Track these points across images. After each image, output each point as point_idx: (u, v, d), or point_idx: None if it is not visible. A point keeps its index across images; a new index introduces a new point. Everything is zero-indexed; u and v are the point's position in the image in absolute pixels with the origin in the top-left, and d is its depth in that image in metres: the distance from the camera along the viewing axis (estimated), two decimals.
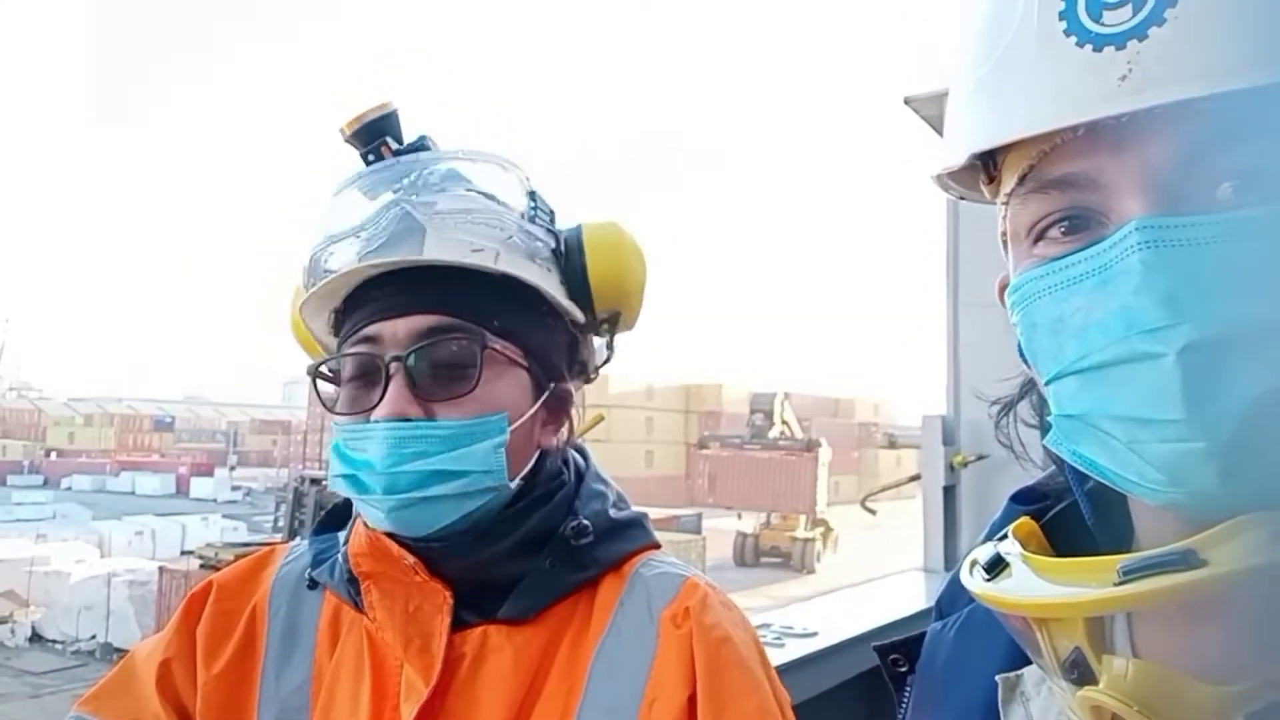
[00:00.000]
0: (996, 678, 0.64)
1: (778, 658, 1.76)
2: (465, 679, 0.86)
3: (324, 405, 0.91)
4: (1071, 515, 0.65)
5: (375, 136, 0.95)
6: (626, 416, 33.77)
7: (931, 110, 2.64)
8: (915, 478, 3.19)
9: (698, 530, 22.51)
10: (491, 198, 0.93)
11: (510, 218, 0.92)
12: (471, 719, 0.84)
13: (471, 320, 0.87)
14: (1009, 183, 0.58)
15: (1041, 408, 0.65)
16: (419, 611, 0.87)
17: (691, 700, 0.85)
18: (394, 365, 0.85)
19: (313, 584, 0.94)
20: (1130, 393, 0.49)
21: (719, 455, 25.91)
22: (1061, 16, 0.52)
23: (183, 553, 19.98)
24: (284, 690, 0.90)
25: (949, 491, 3.02)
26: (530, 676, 0.86)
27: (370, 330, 0.87)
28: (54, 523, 28.73)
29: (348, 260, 0.88)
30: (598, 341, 1.03)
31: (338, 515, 1.00)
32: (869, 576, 3.27)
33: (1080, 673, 0.54)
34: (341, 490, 0.89)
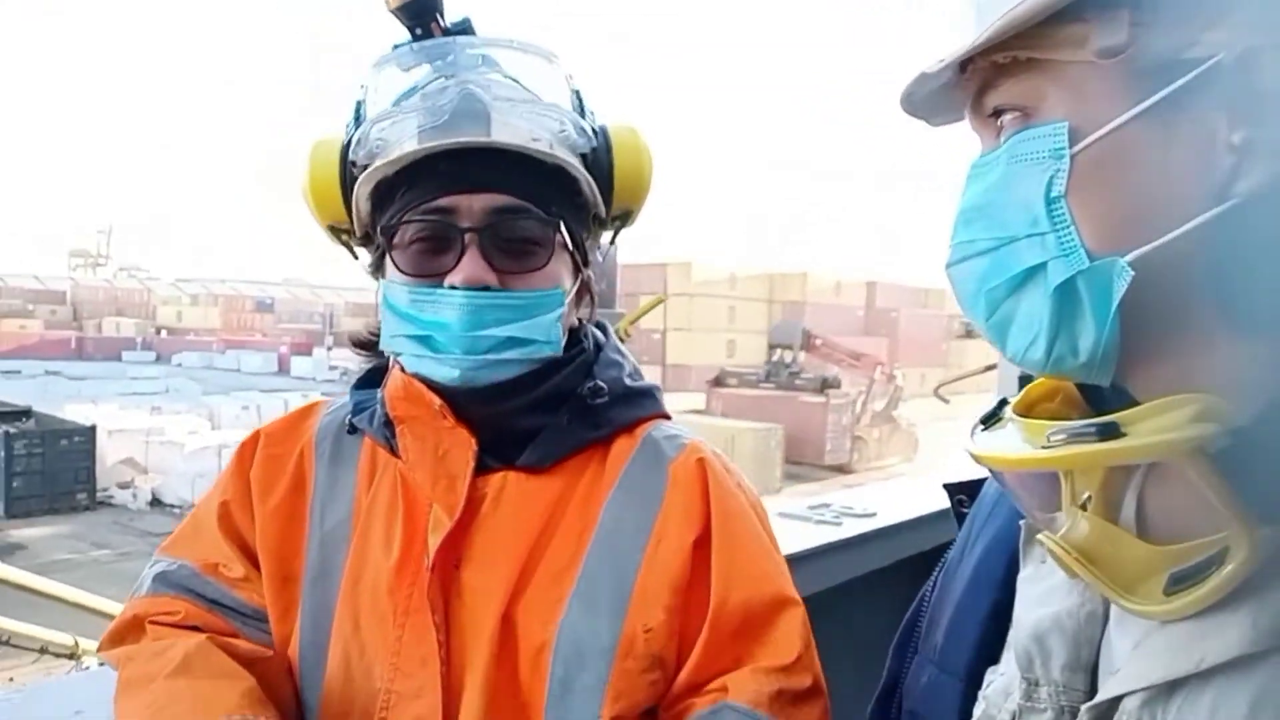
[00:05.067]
0: (1020, 521, 0.70)
1: (834, 535, 1.80)
2: (485, 516, 0.94)
3: (394, 263, 0.93)
4: None
5: (426, 13, 0.97)
6: (709, 305, 33.71)
7: None
8: (991, 367, 3.15)
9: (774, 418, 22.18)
10: (538, 91, 0.97)
11: (563, 112, 0.96)
12: (490, 552, 0.93)
13: (537, 204, 0.93)
14: None
15: None
16: (447, 455, 0.95)
17: (698, 542, 0.93)
18: (469, 236, 0.91)
19: (352, 430, 1.03)
20: None
21: (732, 394, 24.94)
22: None
23: None
24: (329, 523, 0.99)
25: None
26: (545, 518, 0.95)
27: (444, 202, 0.91)
28: (167, 396, 30.63)
29: (406, 132, 0.92)
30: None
31: (376, 373, 1.07)
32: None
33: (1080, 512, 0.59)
34: (404, 349, 0.95)
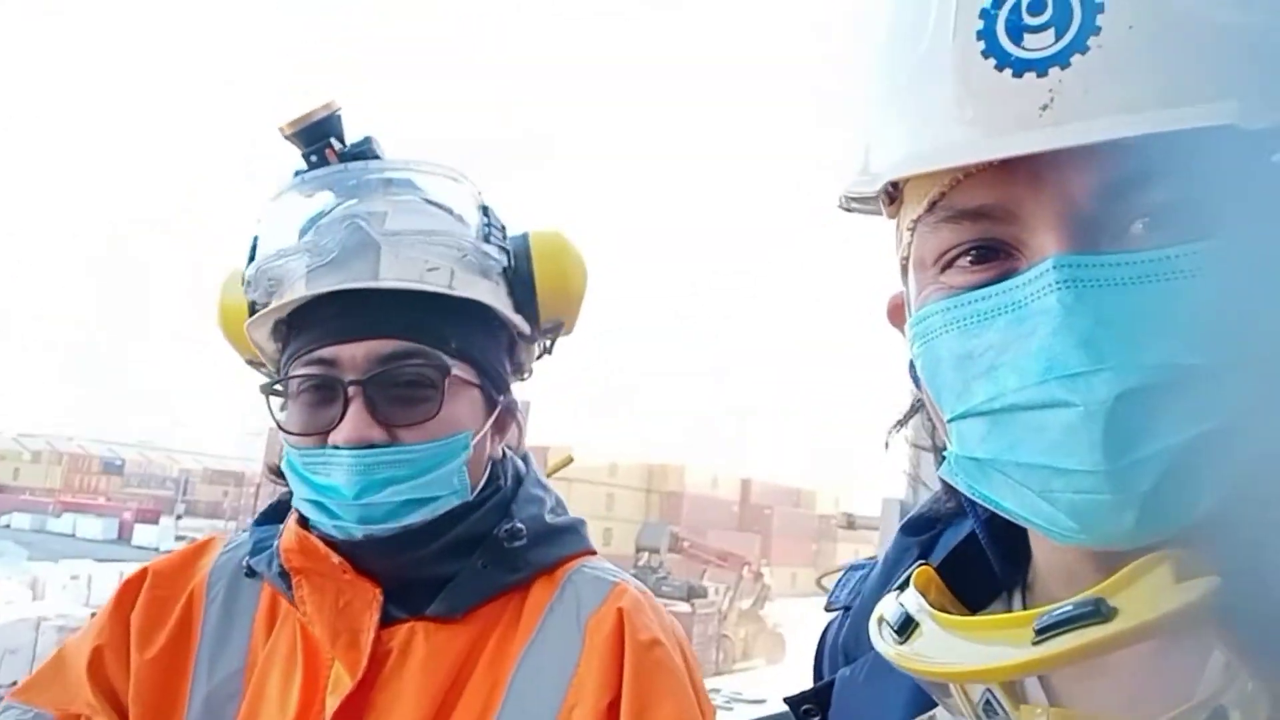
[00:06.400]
0: None
1: None
2: (391, 673, 0.86)
3: (275, 423, 0.91)
4: (969, 547, 0.63)
5: (319, 138, 0.92)
6: (588, 491, 33.41)
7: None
8: (872, 559, 3.21)
9: None
10: (446, 210, 0.94)
11: (465, 235, 0.92)
12: (394, 713, 0.85)
13: (430, 344, 0.88)
14: (915, 208, 0.55)
15: (933, 430, 0.64)
16: (349, 607, 0.87)
17: (613, 705, 0.86)
18: (353, 389, 0.85)
19: (250, 572, 0.94)
20: (1045, 440, 0.47)
21: None
22: (980, 36, 0.49)
23: None
24: (217, 677, 0.89)
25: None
26: (454, 674, 0.87)
27: (325, 353, 0.87)
28: None
29: (296, 272, 0.88)
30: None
31: (282, 507, 1.00)
32: None
33: (992, 717, 0.53)
34: (306, 511, 0.89)
